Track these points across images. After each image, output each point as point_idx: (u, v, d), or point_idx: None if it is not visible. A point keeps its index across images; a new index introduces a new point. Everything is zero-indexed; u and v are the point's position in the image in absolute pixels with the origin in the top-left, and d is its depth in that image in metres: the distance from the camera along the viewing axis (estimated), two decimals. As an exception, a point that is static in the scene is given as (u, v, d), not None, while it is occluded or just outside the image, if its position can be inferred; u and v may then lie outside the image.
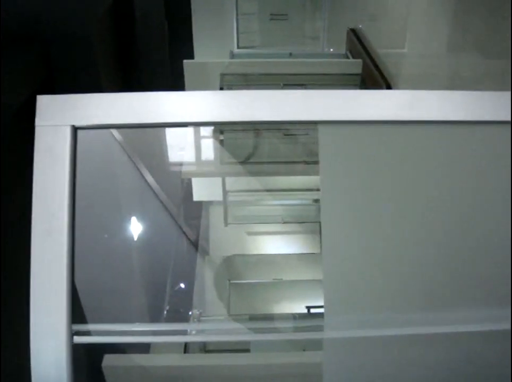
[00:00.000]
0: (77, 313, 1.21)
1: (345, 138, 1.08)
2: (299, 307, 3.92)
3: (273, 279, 3.93)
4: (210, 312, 3.61)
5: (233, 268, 3.97)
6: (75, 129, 1.05)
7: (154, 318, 3.38)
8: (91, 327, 1.21)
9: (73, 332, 1.15)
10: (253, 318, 1.71)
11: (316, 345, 1.85)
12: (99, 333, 1.22)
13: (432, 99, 1.05)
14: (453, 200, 1.08)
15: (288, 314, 2.54)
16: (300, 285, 4.01)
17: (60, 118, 1.02)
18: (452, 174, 1.08)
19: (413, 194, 1.08)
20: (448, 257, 1.08)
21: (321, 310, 3.51)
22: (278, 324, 1.59)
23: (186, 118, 1.08)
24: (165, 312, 3.49)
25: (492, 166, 1.07)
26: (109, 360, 1.54)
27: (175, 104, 1.06)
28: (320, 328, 1.25)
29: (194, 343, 2.24)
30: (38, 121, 1.05)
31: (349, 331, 1.15)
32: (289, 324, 1.63)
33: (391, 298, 1.12)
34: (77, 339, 1.16)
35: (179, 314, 3.50)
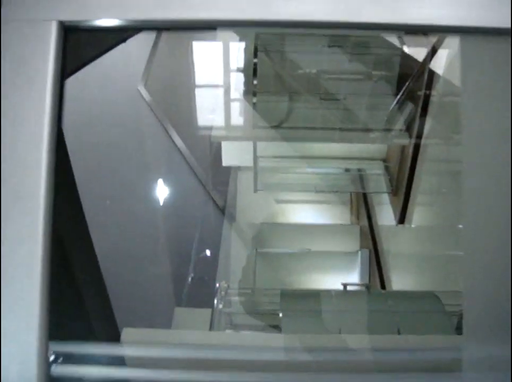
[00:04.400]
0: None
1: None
2: (328, 281, 3.80)
3: (302, 249, 3.80)
4: (234, 281, 3.51)
5: (260, 236, 3.84)
6: (63, 27, 0.66)
7: (179, 285, 3.31)
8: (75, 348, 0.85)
9: (51, 360, 0.78)
10: (284, 294, 1.56)
11: (352, 326, 1.70)
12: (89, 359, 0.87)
13: None
14: None
15: (323, 291, 2.39)
16: (328, 257, 3.87)
17: (40, 10, 0.65)
18: None
19: None
20: None
21: (357, 288, 3.33)
22: (315, 305, 1.45)
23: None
24: (189, 280, 3.41)
25: None
26: (128, 334, 1.41)
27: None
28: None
29: (219, 317, 2.13)
30: (5, 14, 0.68)
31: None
32: (328, 305, 1.48)
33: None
34: (56, 369, 0.79)
35: (204, 282, 3.42)
